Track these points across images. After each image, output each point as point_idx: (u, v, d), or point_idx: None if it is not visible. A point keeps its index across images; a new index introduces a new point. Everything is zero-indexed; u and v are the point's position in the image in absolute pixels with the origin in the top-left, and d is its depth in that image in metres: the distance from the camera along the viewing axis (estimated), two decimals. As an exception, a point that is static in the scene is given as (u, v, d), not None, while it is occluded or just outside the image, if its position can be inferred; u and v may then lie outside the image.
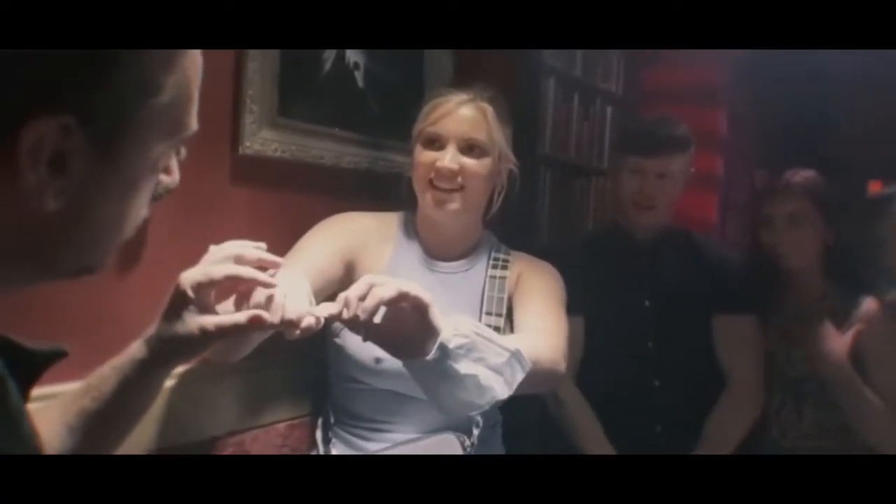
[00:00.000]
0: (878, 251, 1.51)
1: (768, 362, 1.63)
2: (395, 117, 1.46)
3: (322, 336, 1.27)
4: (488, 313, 1.26)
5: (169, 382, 1.14)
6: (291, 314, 0.80)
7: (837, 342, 1.48)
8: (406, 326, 0.88)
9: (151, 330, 0.79)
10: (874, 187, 2.77)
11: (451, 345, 0.89)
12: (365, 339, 0.88)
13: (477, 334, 0.93)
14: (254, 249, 0.86)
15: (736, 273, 1.68)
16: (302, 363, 1.33)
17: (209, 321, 0.76)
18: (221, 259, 0.84)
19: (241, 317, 0.77)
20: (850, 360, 1.48)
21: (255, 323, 0.77)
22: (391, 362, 1.10)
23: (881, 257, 1.51)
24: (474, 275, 1.31)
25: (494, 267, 1.31)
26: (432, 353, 0.88)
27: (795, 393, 1.60)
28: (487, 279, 1.30)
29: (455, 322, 0.92)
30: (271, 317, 0.79)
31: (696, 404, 1.62)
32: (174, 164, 0.62)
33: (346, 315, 0.85)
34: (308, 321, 0.81)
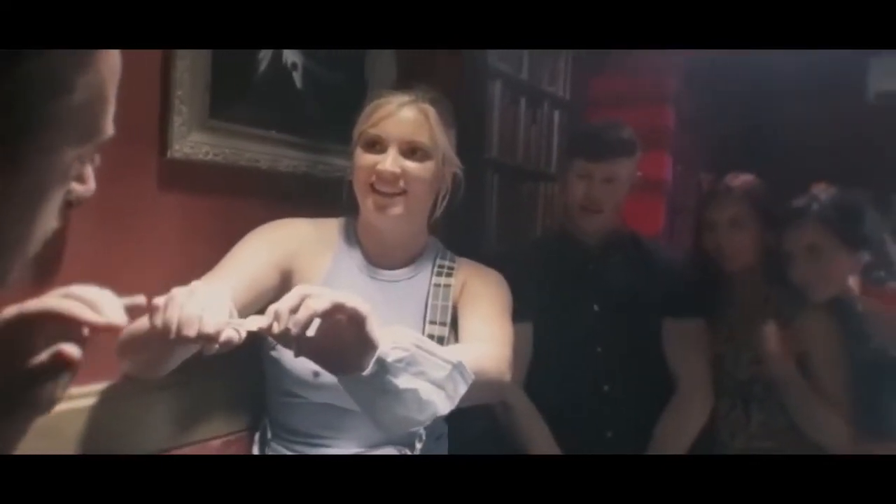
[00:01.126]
0: (787, 265, 1.52)
1: (716, 365, 1.64)
2: (335, 119, 1.43)
3: (258, 348, 1.23)
4: (432, 322, 1.24)
5: (90, 400, 1.08)
6: (209, 328, 0.76)
7: (781, 344, 1.50)
8: (341, 340, 0.84)
9: None
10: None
11: (390, 359, 0.86)
12: (297, 355, 0.84)
13: (417, 347, 0.91)
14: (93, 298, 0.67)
15: (683, 277, 1.69)
16: (238, 376, 1.29)
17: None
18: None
19: (44, 355, 0.62)
20: (795, 361, 1.50)
21: (59, 359, 0.62)
22: (329, 376, 1.06)
23: (791, 271, 1.52)
24: (418, 282, 1.29)
25: (439, 274, 1.30)
26: (369, 368, 0.85)
27: (743, 395, 1.62)
28: (432, 287, 1.28)
29: (394, 334, 0.89)
30: (187, 330, 0.75)
31: (647, 409, 1.62)
32: (89, 171, 0.57)
33: (276, 329, 0.81)
34: (227, 334, 0.77)
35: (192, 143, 1.21)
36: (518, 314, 1.30)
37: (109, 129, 0.51)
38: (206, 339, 0.77)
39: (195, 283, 0.83)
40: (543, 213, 2.45)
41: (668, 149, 2.92)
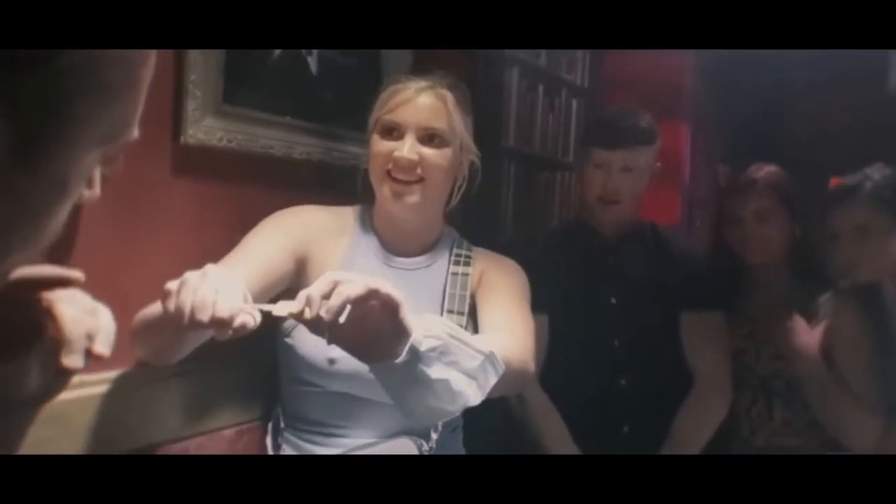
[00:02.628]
0: (831, 245, 1.51)
1: (737, 360, 1.63)
2: (350, 106, 1.42)
3: (272, 336, 1.23)
4: (450, 311, 1.24)
5: (102, 388, 1.08)
6: (222, 312, 0.75)
7: (808, 337, 1.49)
8: (374, 327, 0.83)
9: None
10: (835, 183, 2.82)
11: (423, 347, 0.85)
12: (330, 342, 0.83)
13: (450, 336, 0.90)
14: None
15: (703, 269, 1.68)
16: (251, 365, 1.29)
17: None
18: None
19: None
20: (821, 356, 1.48)
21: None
22: (345, 363, 1.07)
23: (835, 252, 1.51)
24: (435, 271, 1.29)
25: (456, 263, 1.30)
26: (402, 356, 0.84)
27: (765, 391, 1.60)
28: (449, 276, 1.28)
29: (426, 322, 0.89)
30: (200, 314, 0.73)
31: (664, 404, 1.61)
32: (97, 175, 0.56)
33: (308, 314, 0.80)
34: (242, 319, 0.76)
35: (205, 128, 1.21)
36: (534, 306, 1.29)
37: (136, 130, 0.50)
38: (219, 323, 0.76)
39: (209, 267, 0.82)
40: (560, 203, 2.44)
41: (685, 140, 2.89)
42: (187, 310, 0.77)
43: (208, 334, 0.90)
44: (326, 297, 0.80)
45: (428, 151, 1.20)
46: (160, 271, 0.89)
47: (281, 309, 0.81)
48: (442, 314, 1.22)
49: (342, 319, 0.80)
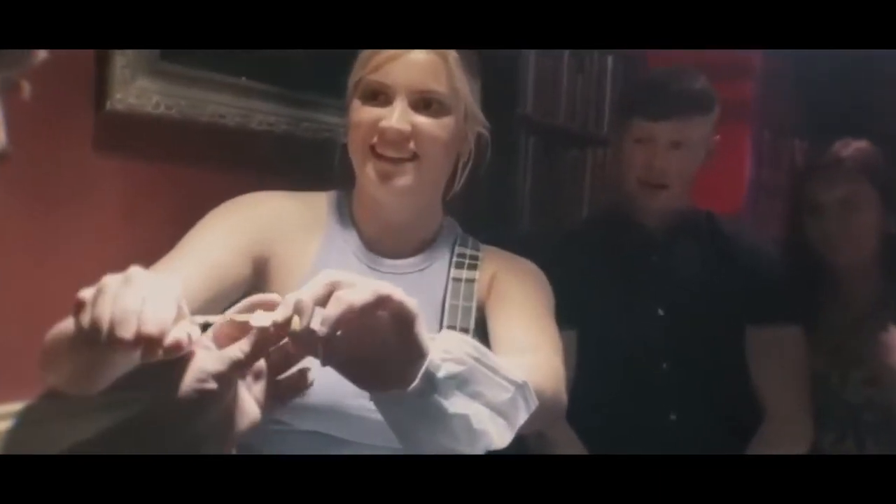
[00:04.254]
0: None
1: (819, 387, 1.63)
2: (324, 63, 1.42)
3: None
4: (451, 327, 1.23)
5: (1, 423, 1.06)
6: (150, 327, 0.72)
7: None
8: (380, 345, 0.81)
9: None
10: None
11: (441, 373, 0.83)
12: (324, 363, 0.80)
13: (476, 360, 0.88)
14: None
15: (774, 271, 1.68)
16: None
17: None
18: None
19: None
20: None
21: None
22: (319, 394, 1.05)
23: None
24: (432, 276, 1.29)
25: (459, 266, 1.30)
26: (414, 384, 0.82)
27: (855, 425, 1.62)
28: (450, 282, 1.28)
29: (445, 341, 0.87)
30: (121, 330, 0.71)
31: (726, 443, 1.61)
32: None
33: (297, 325, 0.77)
34: (176, 337, 0.73)
35: (137, 91, 1.22)
36: (559, 319, 1.29)
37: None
38: (146, 342, 0.73)
39: (133, 270, 0.80)
40: (591, 188, 2.45)
41: (750, 109, 2.88)
42: (105, 324, 0.75)
43: (135, 357, 0.87)
44: (321, 303, 0.77)
45: (423, 121, 1.20)
46: (79, 274, 0.87)
47: (261, 319, 0.78)
48: (441, 331, 1.21)
49: (340, 333, 0.78)
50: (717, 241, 1.70)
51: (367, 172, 1.21)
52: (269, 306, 0.78)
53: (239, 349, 0.75)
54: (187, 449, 0.77)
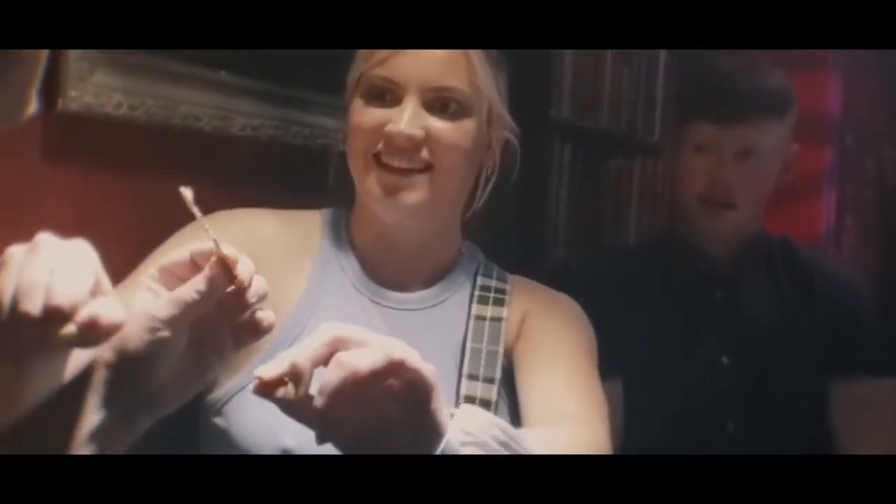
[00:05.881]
0: None
1: None
2: (319, 56, 1.40)
3: (191, 412, 1.22)
4: (472, 377, 1.24)
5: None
6: (60, 299, 0.72)
7: None
8: (389, 420, 0.82)
9: None
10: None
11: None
12: (322, 440, 0.82)
13: (500, 443, 0.90)
14: None
15: (865, 310, 1.69)
16: (159, 448, 1.27)
17: None
18: None
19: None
20: None
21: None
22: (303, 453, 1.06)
23: None
24: (449, 312, 1.30)
25: (483, 301, 1.31)
26: None
27: None
28: (472, 321, 1.29)
29: (467, 420, 0.89)
30: (26, 302, 0.71)
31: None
32: None
33: (291, 393, 0.78)
34: (93, 312, 0.72)
35: (96, 88, 1.22)
36: (601, 366, 1.30)
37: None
38: (55, 315, 0.71)
39: (42, 236, 0.79)
40: (640, 207, 2.44)
41: (832, 116, 2.88)
42: (6, 297, 0.75)
43: (60, 373, 0.87)
44: (322, 362, 0.79)
45: (438, 124, 1.21)
46: None
47: (264, 370, 0.79)
48: (460, 382, 1.23)
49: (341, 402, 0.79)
50: (794, 273, 1.71)
51: (370, 186, 1.22)
52: (207, 256, 0.82)
53: (193, 289, 0.79)
54: (149, 403, 0.84)
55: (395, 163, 1.21)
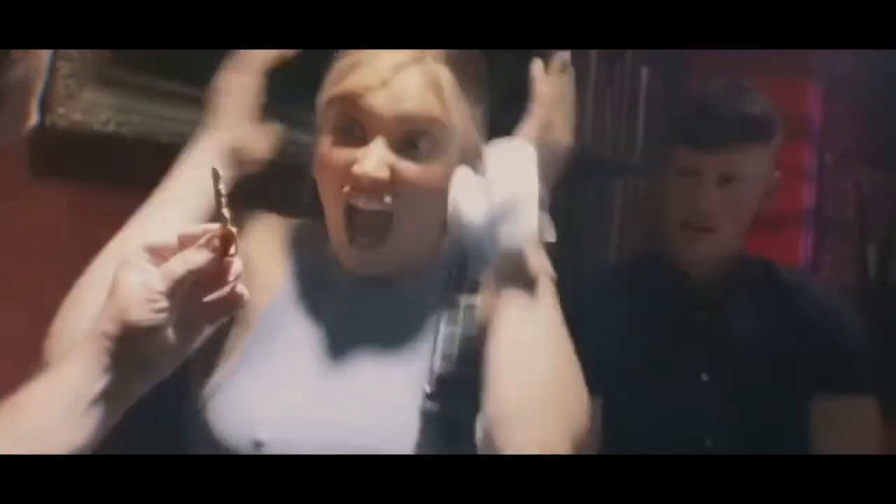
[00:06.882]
0: None
1: None
2: (305, 72, 1.41)
3: (176, 404, 1.24)
4: (447, 357, 1.23)
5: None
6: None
7: None
8: None
9: None
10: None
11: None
12: None
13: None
14: None
15: (845, 330, 1.70)
16: (143, 441, 1.27)
17: None
18: None
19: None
20: None
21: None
22: (277, 448, 1.12)
23: None
24: (423, 293, 1.29)
25: (457, 289, 1.29)
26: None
27: None
28: (447, 308, 1.27)
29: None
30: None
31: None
32: None
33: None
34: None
35: (84, 104, 1.23)
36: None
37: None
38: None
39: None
40: (622, 229, 2.46)
41: (813, 135, 2.90)
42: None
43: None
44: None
45: (406, 166, 1.17)
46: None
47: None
48: (433, 361, 1.22)
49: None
50: (774, 294, 1.71)
51: (338, 231, 1.21)
52: (193, 239, 0.89)
53: (192, 261, 0.87)
54: (146, 371, 0.89)
55: (362, 204, 1.18)
